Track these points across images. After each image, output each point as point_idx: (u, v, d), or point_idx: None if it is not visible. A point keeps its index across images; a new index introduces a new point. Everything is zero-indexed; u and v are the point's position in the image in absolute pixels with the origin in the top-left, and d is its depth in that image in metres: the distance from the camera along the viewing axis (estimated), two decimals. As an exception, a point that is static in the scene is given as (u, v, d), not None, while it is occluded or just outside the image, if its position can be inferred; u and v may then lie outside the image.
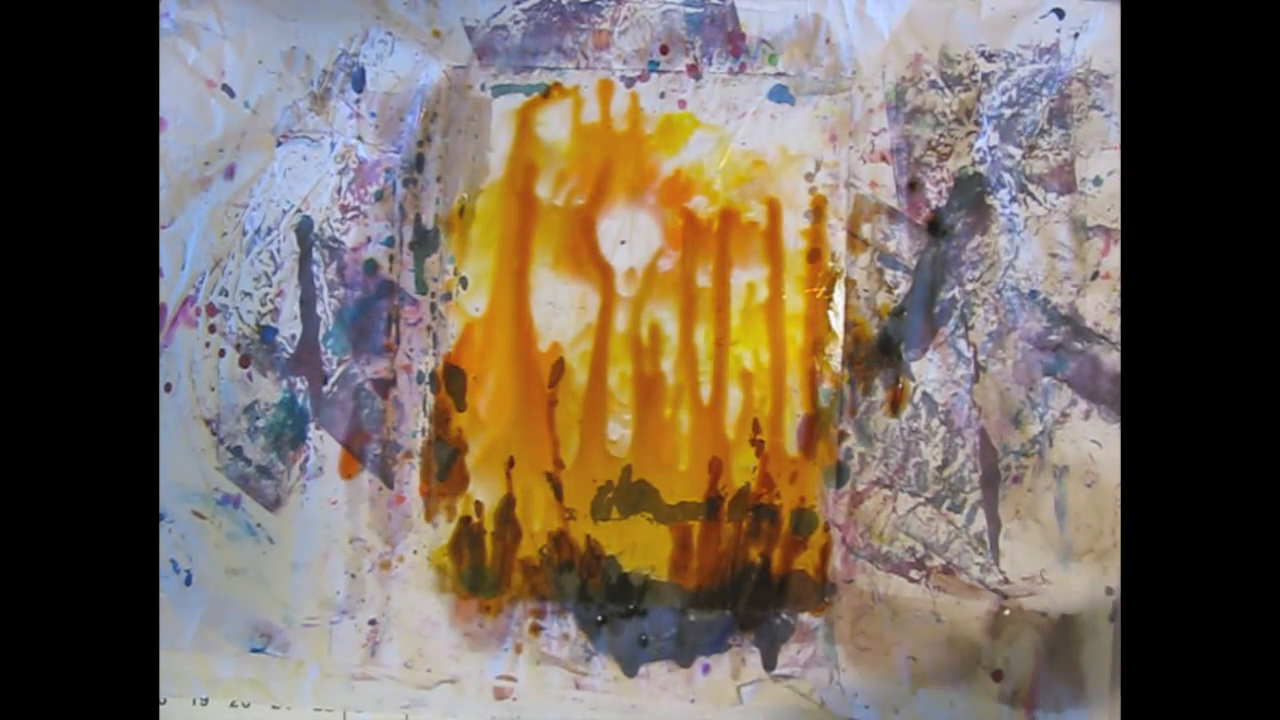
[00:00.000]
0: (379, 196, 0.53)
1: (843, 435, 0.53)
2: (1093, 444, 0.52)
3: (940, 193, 0.53)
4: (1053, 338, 0.52)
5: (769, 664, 0.53)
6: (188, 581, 0.53)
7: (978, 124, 0.53)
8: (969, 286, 0.53)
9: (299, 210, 0.53)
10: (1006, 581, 0.52)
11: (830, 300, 0.53)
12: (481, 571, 0.54)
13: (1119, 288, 0.52)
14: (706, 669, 0.53)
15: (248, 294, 0.53)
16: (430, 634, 0.53)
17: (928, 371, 0.53)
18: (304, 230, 0.53)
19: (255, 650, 0.53)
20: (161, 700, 0.53)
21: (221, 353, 0.53)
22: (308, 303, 0.53)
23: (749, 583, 0.53)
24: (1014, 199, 0.53)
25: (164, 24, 0.52)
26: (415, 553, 0.53)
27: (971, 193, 0.53)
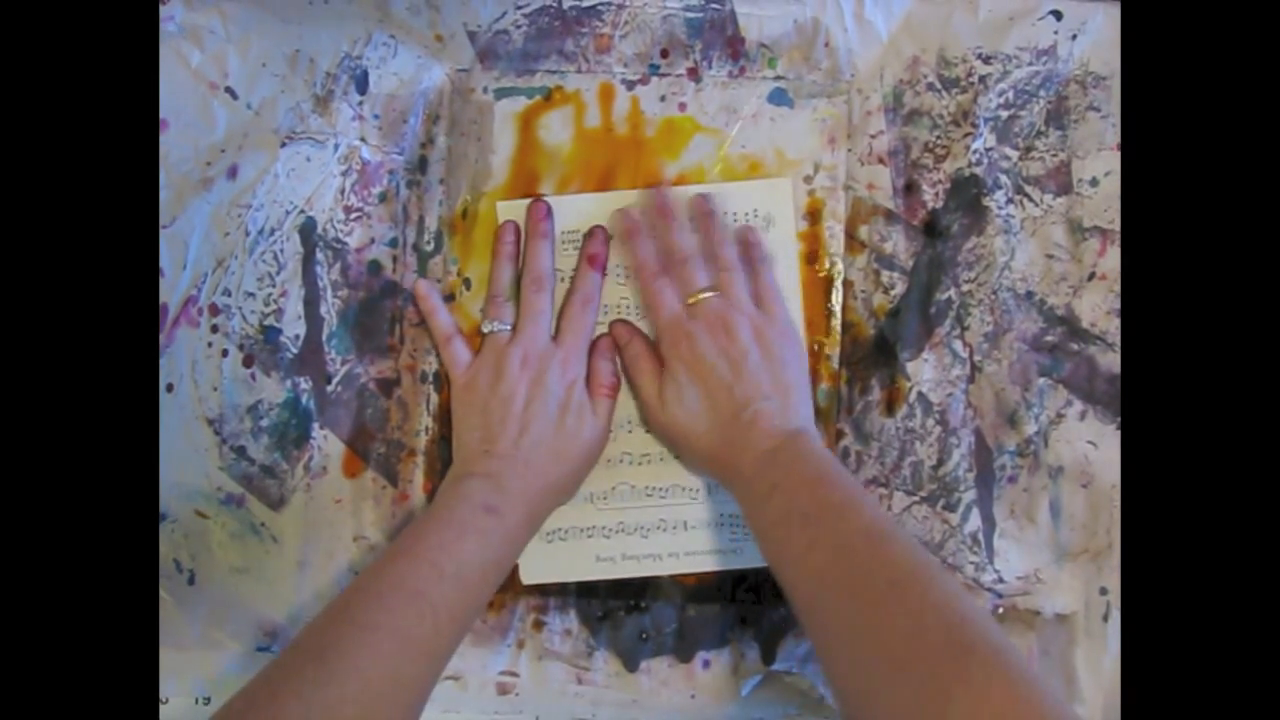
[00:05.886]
0: (382, 198, 0.53)
1: (839, 434, 0.53)
2: (1088, 445, 0.52)
3: (937, 194, 0.53)
4: (1049, 338, 0.53)
5: (768, 659, 0.53)
6: (191, 581, 0.53)
7: (974, 126, 0.53)
8: (965, 287, 0.53)
9: (302, 211, 0.53)
10: (1001, 581, 0.52)
11: (828, 301, 0.53)
12: (484, 569, 0.54)
13: (1115, 289, 0.52)
14: (706, 664, 0.53)
15: (251, 294, 0.53)
16: (433, 631, 0.53)
17: (923, 372, 0.53)
18: (307, 231, 0.53)
19: (259, 649, 0.53)
20: (165, 699, 0.53)
21: (224, 353, 0.53)
22: (311, 303, 0.53)
23: (748, 578, 0.54)
24: (1010, 200, 0.53)
25: (169, 27, 0.52)
26: (418, 551, 0.53)
27: (968, 194, 0.53)
